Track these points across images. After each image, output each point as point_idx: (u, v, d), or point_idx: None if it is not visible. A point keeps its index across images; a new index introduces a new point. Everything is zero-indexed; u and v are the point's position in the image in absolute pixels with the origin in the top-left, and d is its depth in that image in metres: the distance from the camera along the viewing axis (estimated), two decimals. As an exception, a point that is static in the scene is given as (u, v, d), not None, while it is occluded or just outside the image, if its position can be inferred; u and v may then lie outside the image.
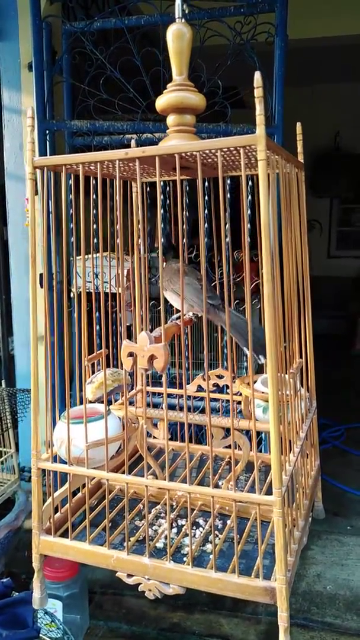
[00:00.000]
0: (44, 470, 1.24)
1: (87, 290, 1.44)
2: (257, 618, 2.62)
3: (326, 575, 2.91)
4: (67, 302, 1.25)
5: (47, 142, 2.81)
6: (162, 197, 2.37)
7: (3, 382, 3.29)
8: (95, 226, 1.33)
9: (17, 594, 2.11)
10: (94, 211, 1.30)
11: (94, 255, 1.39)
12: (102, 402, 1.25)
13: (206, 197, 2.37)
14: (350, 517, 3.41)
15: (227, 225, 2.22)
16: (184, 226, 2.56)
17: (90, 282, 1.40)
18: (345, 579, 2.88)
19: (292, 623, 2.51)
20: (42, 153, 2.76)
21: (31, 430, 1.19)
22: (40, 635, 2.10)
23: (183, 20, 1.23)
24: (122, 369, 1.21)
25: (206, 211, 2.44)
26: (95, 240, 1.78)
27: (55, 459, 1.26)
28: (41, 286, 2.52)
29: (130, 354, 1.14)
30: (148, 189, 1.63)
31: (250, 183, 2.29)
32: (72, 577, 2.46)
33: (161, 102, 1.23)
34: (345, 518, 3.39)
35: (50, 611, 2.31)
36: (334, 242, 8.21)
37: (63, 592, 2.44)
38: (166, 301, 1.40)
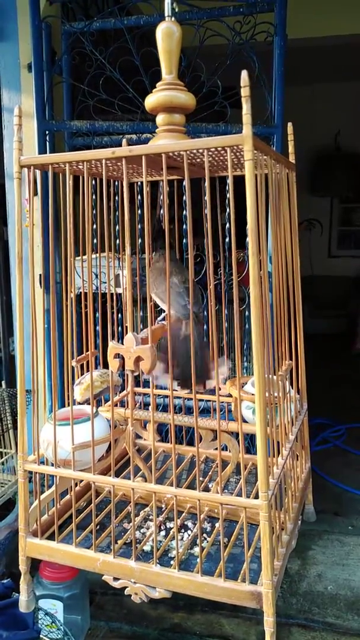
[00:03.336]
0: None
1: (79, 291, 1.44)
2: (258, 619, 2.60)
3: (327, 576, 2.89)
4: (55, 302, 1.25)
5: (47, 143, 2.80)
6: (161, 196, 2.37)
7: (3, 382, 3.29)
8: (93, 226, 1.33)
9: (17, 594, 2.11)
10: (91, 211, 1.29)
11: (83, 257, 1.38)
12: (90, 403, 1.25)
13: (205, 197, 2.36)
14: (351, 517, 3.40)
15: (227, 225, 2.21)
16: (182, 225, 2.56)
17: (86, 281, 1.40)
18: (347, 579, 2.86)
19: (293, 623, 2.53)
20: (42, 153, 2.75)
21: (18, 432, 1.18)
22: (41, 636, 2.09)
23: (173, 19, 1.23)
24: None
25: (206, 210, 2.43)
26: (94, 241, 1.79)
27: (43, 460, 1.26)
28: (41, 286, 2.52)
29: (118, 356, 1.13)
30: (148, 188, 1.62)
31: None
32: (73, 578, 2.46)
33: (150, 101, 1.23)
34: (346, 518, 3.38)
35: (50, 612, 2.31)
36: (334, 241, 8.18)
37: (64, 593, 2.44)
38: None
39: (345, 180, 7.62)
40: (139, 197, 2.11)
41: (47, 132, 2.78)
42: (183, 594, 1.13)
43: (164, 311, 1.42)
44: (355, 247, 8.11)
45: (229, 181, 1.07)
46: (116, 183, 1.53)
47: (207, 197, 1.05)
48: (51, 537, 1.25)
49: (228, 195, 2.17)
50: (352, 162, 7.61)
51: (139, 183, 1.59)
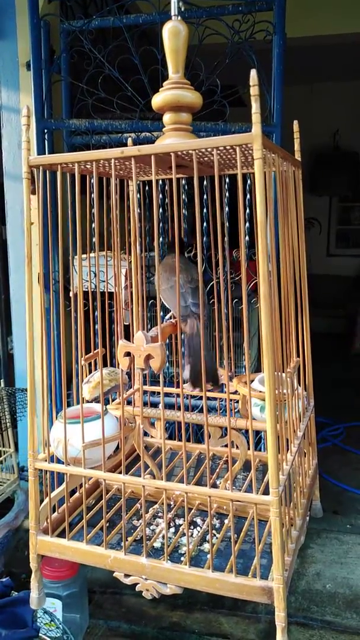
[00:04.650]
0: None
1: (85, 290, 1.44)
2: (257, 617, 2.61)
3: (326, 574, 2.90)
4: (64, 301, 1.25)
5: (46, 141, 2.80)
6: (160, 195, 2.37)
7: (2, 381, 3.28)
8: (93, 225, 1.33)
9: (16, 593, 2.11)
10: (92, 210, 1.30)
11: (90, 255, 1.39)
12: (99, 401, 1.25)
13: (205, 196, 2.37)
14: (349, 515, 3.41)
15: (226, 224, 2.22)
16: (183, 225, 2.57)
17: (87, 280, 1.40)
18: (345, 577, 2.87)
19: (291, 621, 2.53)
20: (40, 152, 2.75)
21: (28, 430, 1.19)
22: (40, 634, 2.09)
23: (179, 17, 1.23)
24: (119, 368, 1.21)
25: (205, 210, 2.44)
26: (93, 240, 1.79)
27: (52, 459, 1.26)
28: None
29: (127, 354, 1.14)
30: (147, 187, 1.62)
31: (248, 181, 2.29)
32: (72, 577, 2.46)
33: (157, 100, 1.23)
34: (344, 516, 3.39)
35: (49, 610, 2.31)
36: (333, 240, 8.21)
37: (63, 592, 2.44)
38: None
39: (344, 180, 7.64)
40: (138, 195, 2.11)
41: (45, 131, 2.78)
42: (182, 593, 1.14)
43: (169, 310, 1.42)
44: (354, 246, 8.13)
45: (239, 180, 1.07)
46: (114, 181, 1.53)
47: (216, 196, 1.05)
48: (61, 535, 1.25)
49: (227, 194, 2.17)
50: (350, 161, 7.63)
51: (139, 182, 1.59)
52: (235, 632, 2.56)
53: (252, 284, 2.43)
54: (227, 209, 2.44)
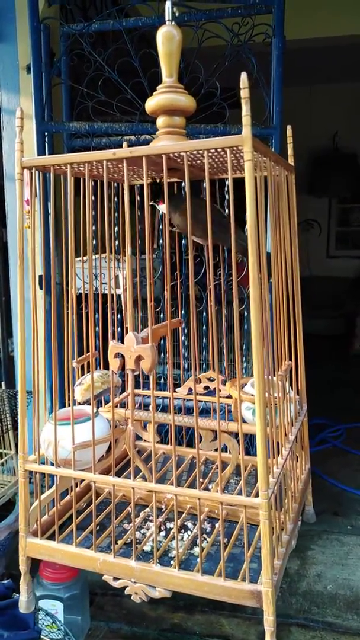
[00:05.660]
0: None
1: (80, 292, 1.44)
2: (258, 618, 2.61)
3: (327, 575, 2.90)
4: (55, 303, 1.25)
5: (46, 144, 2.80)
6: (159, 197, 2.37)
7: (3, 383, 3.29)
8: (91, 227, 1.34)
9: (18, 595, 2.11)
10: (91, 213, 1.30)
11: (84, 258, 1.39)
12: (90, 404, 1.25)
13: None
14: (350, 516, 3.41)
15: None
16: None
17: (84, 282, 1.40)
18: (346, 578, 2.87)
19: (292, 623, 2.54)
20: (41, 154, 2.75)
21: (18, 432, 1.19)
22: (41, 636, 2.10)
23: (173, 22, 1.23)
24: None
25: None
26: (94, 242, 1.79)
27: (44, 460, 1.26)
28: (40, 288, 2.53)
29: (118, 355, 1.14)
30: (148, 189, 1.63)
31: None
32: (73, 579, 2.47)
33: (151, 104, 1.24)
34: (345, 518, 3.39)
35: (51, 612, 2.32)
36: (333, 242, 8.22)
37: (64, 594, 2.44)
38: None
39: (343, 181, 7.65)
40: (139, 198, 2.11)
41: (45, 134, 2.79)
42: (183, 595, 1.14)
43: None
44: (353, 248, 8.14)
45: (229, 182, 1.07)
46: (116, 184, 1.53)
47: (207, 198, 1.05)
48: (51, 538, 1.25)
49: (227, 197, 2.17)
50: (350, 162, 7.63)
51: (138, 185, 1.59)
52: (236, 634, 2.56)
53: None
54: (227, 210, 2.44)
